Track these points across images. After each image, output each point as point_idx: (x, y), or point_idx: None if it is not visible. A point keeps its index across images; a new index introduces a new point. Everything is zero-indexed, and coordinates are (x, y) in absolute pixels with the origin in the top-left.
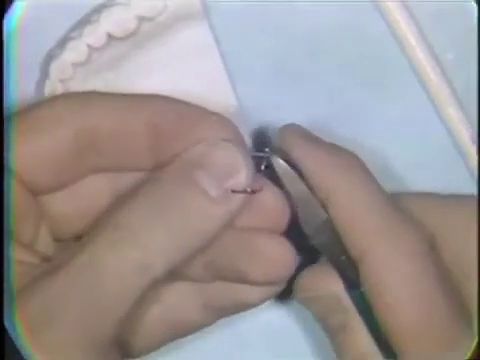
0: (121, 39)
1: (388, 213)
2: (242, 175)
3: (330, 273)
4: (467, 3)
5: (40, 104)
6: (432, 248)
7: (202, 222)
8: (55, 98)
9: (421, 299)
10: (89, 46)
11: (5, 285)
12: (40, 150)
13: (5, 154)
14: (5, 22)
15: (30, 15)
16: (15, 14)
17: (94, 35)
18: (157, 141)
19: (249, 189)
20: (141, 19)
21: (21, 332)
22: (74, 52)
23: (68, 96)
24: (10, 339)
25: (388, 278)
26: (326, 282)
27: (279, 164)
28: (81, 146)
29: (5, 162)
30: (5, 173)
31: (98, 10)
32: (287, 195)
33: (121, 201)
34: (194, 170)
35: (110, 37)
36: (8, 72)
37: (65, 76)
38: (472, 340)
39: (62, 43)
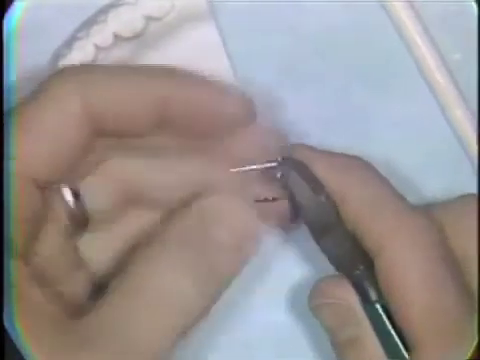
0: (128, 39)
1: (401, 208)
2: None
3: (346, 285)
4: (469, 4)
5: (47, 81)
6: (443, 237)
7: (223, 270)
8: (60, 76)
9: (436, 287)
10: (96, 46)
11: (5, 285)
12: (46, 131)
13: (5, 149)
14: (5, 22)
15: (37, 15)
16: (15, 14)
17: (101, 35)
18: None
19: (270, 197)
20: (148, 19)
21: (21, 332)
22: (81, 52)
23: (72, 74)
24: (10, 339)
25: (404, 270)
26: (341, 291)
27: (291, 175)
28: (87, 124)
29: (4, 163)
30: (5, 173)
31: (105, 10)
32: (299, 206)
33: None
34: (211, 227)
35: (117, 37)
36: (8, 72)
37: None
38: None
39: (69, 43)
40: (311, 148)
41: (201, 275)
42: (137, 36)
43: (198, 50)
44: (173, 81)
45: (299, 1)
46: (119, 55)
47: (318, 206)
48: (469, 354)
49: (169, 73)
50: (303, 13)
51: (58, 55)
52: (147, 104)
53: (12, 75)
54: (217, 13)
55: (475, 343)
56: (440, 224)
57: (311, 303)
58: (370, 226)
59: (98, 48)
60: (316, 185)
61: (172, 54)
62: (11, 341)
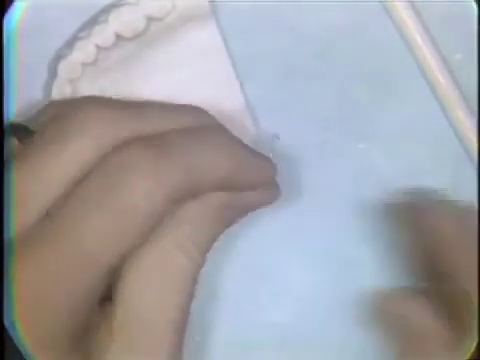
0: (130, 39)
1: None
2: None
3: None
4: (470, 4)
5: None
6: None
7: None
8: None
9: None
10: (97, 46)
11: (5, 285)
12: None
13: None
14: (5, 22)
15: (38, 15)
16: (15, 14)
17: (103, 35)
18: None
19: None
20: (150, 19)
21: (21, 332)
22: (82, 52)
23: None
24: (10, 339)
25: None
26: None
27: None
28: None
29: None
30: (5, 171)
31: (107, 10)
32: None
33: None
34: None
35: (119, 37)
36: (8, 73)
37: (73, 76)
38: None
39: (70, 43)
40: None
41: None
42: (138, 36)
43: (199, 50)
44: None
45: (300, 1)
46: (120, 55)
47: None
48: (469, 354)
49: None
50: (304, 13)
51: (59, 55)
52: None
53: (12, 75)
54: (218, 13)
55: (475, 343)
56: None
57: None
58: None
59: (99, 48)
60: None
61: (173, 54)
62: (11, 341)
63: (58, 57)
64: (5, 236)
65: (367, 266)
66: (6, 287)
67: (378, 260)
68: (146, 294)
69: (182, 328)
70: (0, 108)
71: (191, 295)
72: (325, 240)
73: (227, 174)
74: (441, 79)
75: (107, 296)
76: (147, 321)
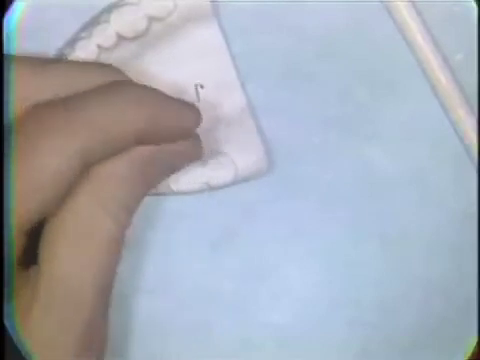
0: (131, 39)
1: None
2: None
3: None
4: (471, 4)
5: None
6: None
7: None
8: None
9: None
10: (99, 46)
11: (5, 285)
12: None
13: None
14: (5, 22)
15: (39, 15)
16: (15, 14)
17: (104, 35)
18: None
19: None
20: (151, 19)
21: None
22: (84, 52)
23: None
24: (10, 339)
25: None
26: None
27: None
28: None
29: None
30: (5, 173)
31: (108, 10)
32: None
33: None
34: None
35: (120, 37)
36: (8, 73)
37: None
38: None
39: (72, 43)
40: None
41: None
42: (140, 36)
43: (201, 50)
44: (148, 112)
45: (303, 1)
46: (122, 55)
47: None
48: (469, 354)
49: (145, 103)
50: (306, 13)
51: (61, 55)
52: (128, 136)
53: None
54: (220, 13)
55: (475, 343)
56: None
57: None
58: None
59: (101, 48)
60: None
61: (175, 54)
62: (11, 341)
63: (59, 57)
64: None
65: (367, 266)
66: (6, 287)
67: (378, 260)
68: (70, 256)
69: (107, 290)
70: (0, 108)
71: (116, 256)
72: (325, 240)
73: (145, 125)
74: (442, 79)
75: (31, 260)
76: (71, 282)
